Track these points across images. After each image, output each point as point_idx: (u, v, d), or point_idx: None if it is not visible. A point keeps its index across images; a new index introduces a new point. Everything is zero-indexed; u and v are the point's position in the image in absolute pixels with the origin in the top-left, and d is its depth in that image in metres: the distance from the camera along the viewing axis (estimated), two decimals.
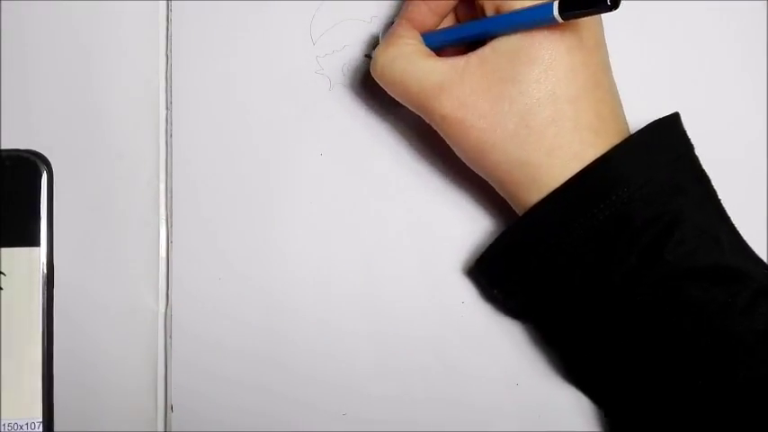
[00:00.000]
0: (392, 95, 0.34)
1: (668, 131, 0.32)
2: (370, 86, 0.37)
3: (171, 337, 0.36)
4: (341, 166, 0.37)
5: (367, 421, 0.36)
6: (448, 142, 0.33)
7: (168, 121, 0.37)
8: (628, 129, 0.32)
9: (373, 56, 0.34)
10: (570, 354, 0.34)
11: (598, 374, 0.33)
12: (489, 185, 0.36)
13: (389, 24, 0.35)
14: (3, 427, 0.32)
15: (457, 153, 0.33)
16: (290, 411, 0.36)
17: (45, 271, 0.33)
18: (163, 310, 0.36)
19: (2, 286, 0.33)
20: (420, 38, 0.34)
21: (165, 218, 0.37)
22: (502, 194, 0.33)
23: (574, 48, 0.31)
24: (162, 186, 0.37)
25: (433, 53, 0.33)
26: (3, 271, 0.33)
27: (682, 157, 0.31)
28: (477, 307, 0.37)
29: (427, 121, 0.34)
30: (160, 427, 0.36)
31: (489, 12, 0.32)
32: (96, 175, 0.36)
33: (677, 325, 0.30)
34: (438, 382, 0.36)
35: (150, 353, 0.36)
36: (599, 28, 0.32)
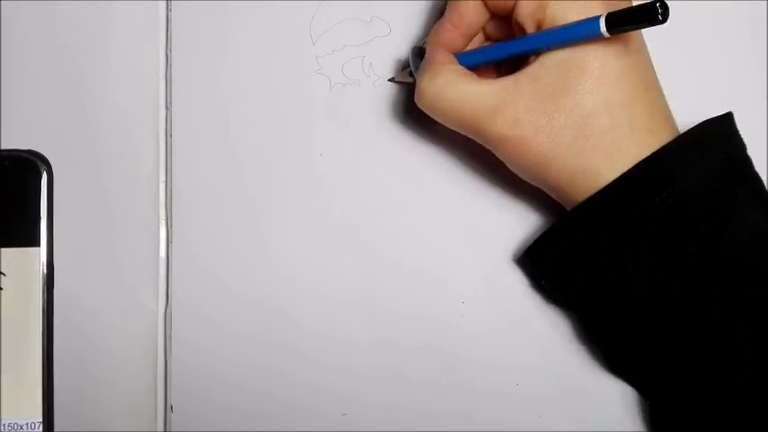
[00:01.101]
0: (444, 123, 0.34)
1: (718, 130, 0.32)
2: (370, 86, 0.38)
3: (171, 337, 0.36)
4: (341, 167, 0.37)
5: (367, 421, 0.36)
6: (505, 160, 0.33)
7: (168, 120, 0.37)
8: (677, 126, 0.33)
9: (418, 86, 0.33)
10: (614, 343, 0.34)
11: (642, 362, 0.33)
12: (489, 184, 0.36)
13: (418, 49, 0.35)
14: (3, 427, 0.32)
15: (514, 169, 0.34)
16: (290, 411, 0.36)
17: (45, 271, 0.33)
18: (163, 311, 0.36)
19: (2, 286, 0.33)
20: (456, 61, 0.34)
21: (164, 218, 0.37)
22: (562, 203, 0.34)
23: (621, 53, 0.31)
24: (162, 186, 0.37)
25: (476, 75, 0.33)
26: (3, 271, 0.33)
27: (730, 157, 0.32)
28: (477, 307, 0.37)
29: (481, 143, 0.33)
30: (160, 427, 0.36)
31: (530, 29, 0.32)
32: (96, 175, 0.36)
33: (728, 319, 0.30)
34: (437, 381, 0.36)
35: (150, 353, 0.36)
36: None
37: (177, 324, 0.36)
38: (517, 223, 0.37)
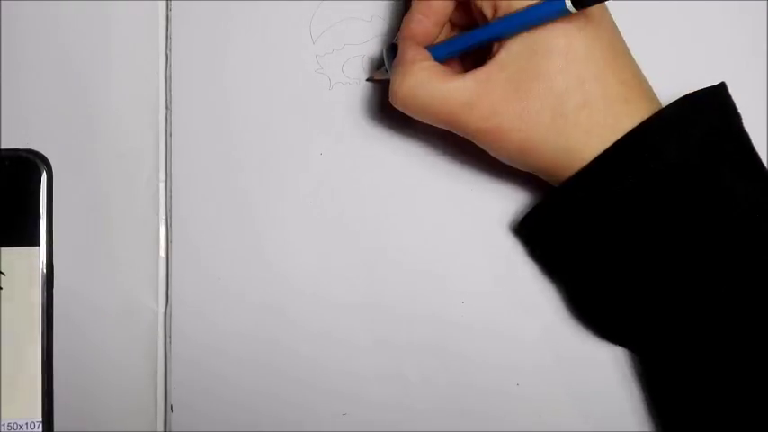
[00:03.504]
0: (418, 118, 0.34)
1: (704, 102, 0.32)
2: (370, 85, 0.37)
3: (171, 337, 0.36)
4: (341, 166, 0.37)
5: (367, 421, 0.36)
6: (487, 150, 0.33)
7: (168, 120, 0.37)
8: (652, 89, 0.33)
9: (391, 88, 0.33)
10: (606, 306, 0.34)
11: (637, 322, 0.33)
12: (489, 182, 0.36)
13: (391, 46, 0.35)
14: (3, 427, 0.32)
15: (497, 157, 0.34)
16: (290, 411, 0.36)
17: (45, 271, 0.33)
18: (163, 310, 0.36)
19: (2, 286, 0.33)
20: (430, 56, 0.34)
21: (164, 218, 0.37)
22: (551, 182, 0.34)
23: (584, 25, 0.31)
24: (161, 186, 0.37)
25: (448, 70, 0.33)
26: (3, 271, 0.33)
27: (715, 129, 0.32)
28: (477, 307, 0.37)
29: (462, 136, 0.33)
30: (160, 426, 0.36)
31: (488, 13, 0.32)
32: (96, 174, 0.36)
33: (713, 280, 0.30)
34: (438, 381, 0.36)
35: (150, 353, 0.36)
36: None
37: (177, 324, 0.36)
38: (518, 221, 0.37)
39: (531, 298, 0.37)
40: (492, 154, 0.34)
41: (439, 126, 0.34)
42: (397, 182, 0.37)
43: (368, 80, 0.37)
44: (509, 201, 0.37)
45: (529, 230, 0.35)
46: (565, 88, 0.31)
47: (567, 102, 0.31)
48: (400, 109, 0.34)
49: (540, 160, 0.32)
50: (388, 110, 0.37)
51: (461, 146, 0.37)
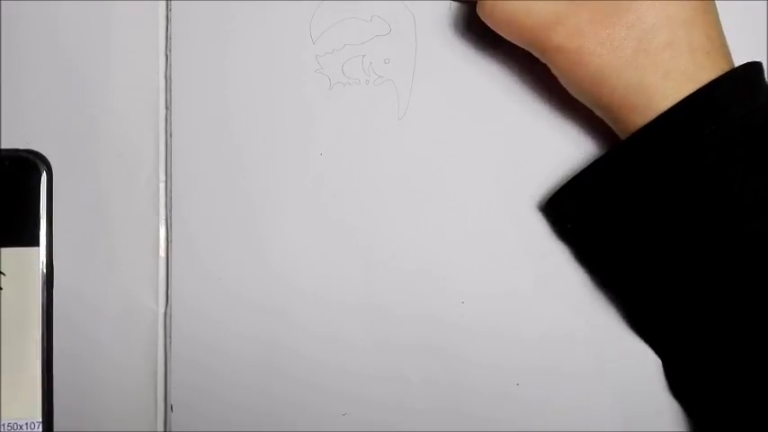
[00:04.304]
0: (503, 34, 0.34)
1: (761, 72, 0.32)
2: (370, 85, 0.37)
3: (171, 337, 0.36)
4: (341, 166, 0.37)
5: (367, 420, 0.36)
6: (560, 74, 0.33)
7: (168, 120, 0.37)
8: (731, 54, 0.33)
9: None
10: (641, 295, 0.34)
11: (671, 315, 0.33)
12: (490, 181, 0.36)
13: None
14: (3, 427, 0.33)
15: (568, 84, 0.34)
16: (290, 411, 0.36)
17: (45, 271, 0.33)
18: (163, 310, 0.36)
19: (2, 286, 0.33)
20: None
21: (164, 218, 0.37)
22: (610, 122, 0.33)
23: None
24: (161, 186, 0.37)
25: None
26: (3, 271, 0.33)
27: None
28: (477, 307, 0.37)
29: (537, 56, 0.33)
30: (160, 426, 0.36)
31: None
32: (96, 174, 0.36)
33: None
34: (438, 381, 0.36)
35: (150, 353, 0.36)
36: None
37: (177, 324, 0.36)
38: (518, 222, 0.37)
39: (532, 298, 0.37)
40: (563, 80, 0.33)
41: (520, 42, 0.33)
42: (398, 182, 0.37)
43: None
44: (509, 200, 0.37)
45: (578, 192, 0.34)
46: (652, 24, 0.31)
47: (653, 38, 0.31)
48: (486, 20, 0.34)
49: (611, 94, 0.32)
50: (388, 110, 0.37)
51: (462, 144, 0.37)
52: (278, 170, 0.37)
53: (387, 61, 0.38)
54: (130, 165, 0.37)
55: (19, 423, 0.33)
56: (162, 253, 0.37)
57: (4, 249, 0.33)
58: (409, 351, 0.36)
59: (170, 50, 0.37)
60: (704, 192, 0.31)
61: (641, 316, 0.35)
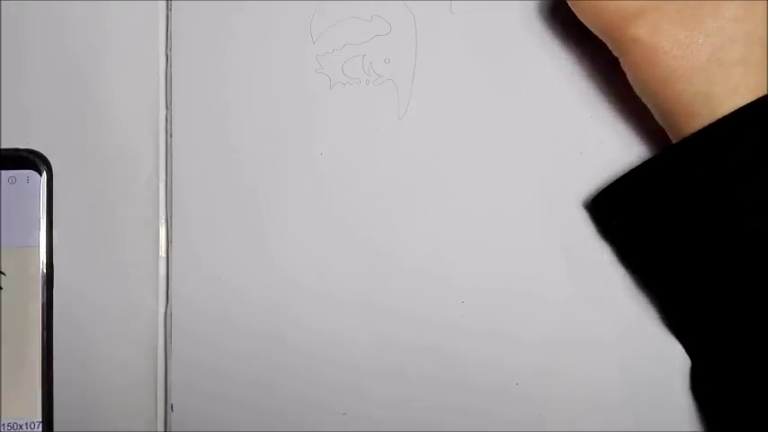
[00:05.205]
0: (581, 18, 0.34)
1: None
2: (370, 85, 0.37)
3: (171, 337, 0.36)
4: (341, 166, 0.37)
5: (367, 420, 0.36)
6: (630, 69, 0.33)
7: (168, 120, 0.37)
8: None
9: None
10: (681, 296, 0.34)
11: (709, 317, 0.33)
12: (490, 181, 0.36)
13: None
14: (3, 428, 0.33)
15: (635, 81, 0.33)
16: (291, 411, 0.36)
17: (45, 271, 0.34)
18: (163, 310, 0.37)
19: (2, 286, 0.33)
20: None
21: (164, 218, 0.37)
22: (666, 124, 0.33)
23: None
24: (162, 186, 0.37)
25: None
26: (3, 271, 0.33)
27: None
28: (477, 307, 0.37)
29: (611, 48, 0.33)
30: (160, 426, 0.36)
31: None
32: (96, 174, 0.36)
33: None
34: (438, 381, 0.36)
35: (150, 353, 0.36)
36: None
37: (177, 323, 0.36)
38: (518, 221, 0.37)
39: (532, 297, 0.37)
40: (632, 75, 0.33)
41: (598, 30, 0.33)
42: (398, 182, 0.37)
43: None
44: (509, 200, 0.37)
45: (620, 197, 0.34)
46: (732, 37, 0.31)
47: (728, 51, 0.31)
48: (572, 3, 0.34)
49: (677, 99, 0.32)
50: (388, 110, 0.37)
51: (462, 144, 0.37)
52: (278, 170, 0.37)
53: (387, 61, 0.38)
54: (130, 165, 0.37)
55: (19, 423, 0.33)
56: (162, 253, 0.37)
57: (4, 249, 0.33)
58: (409, 351, 0.36)
59: (170, 50, 0.37)
60: (755, 200, 0.31)
61: (679, 316, 0.35)
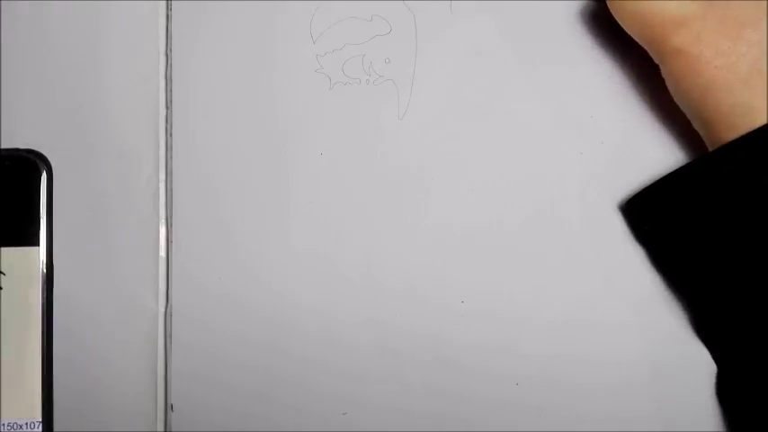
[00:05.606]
0: (624, 26, 0.34)
1: None
2: (370, 85, 0.37)
3: (171, 336, 0.36)
4: (341, 166, 0.37)
5: (367, 420, 0.36)
6: (672, 78, 0.33)
7: (168, 120, 0.37)
8: None
9: None
10: (712, 300, 0.34)
11: (745, 325, 0.33)
12: (490, 181, 0.36)
13: None
14: (3, 427, 0.33)
15: (676, 91, 0.33)
16: (291, 411, 0.36)
17: (45, 271, 0.33)
18: (163, 310, 0.37)
19: (1, 286, 0.33)
20: None
21: (164, 218, 0.37)
22: (706, 135, 0.33)
23: None
24: (162, 186, 0.37)
25: None
26: (2, 271, 0.33)
27: None
28: (477, 307, 0.37)
29: (653, 56, 0.33)
30: (160, 427, 0.36)
31: None
32: (96, 174, 0.36)
33: None
34: (438, 381, 0.36)
35: (150, 353, 0.36)
36: None
37: (177, 324, 0.36)
38: (518, 222, 0.37)
39: (532, 297, 0.37)
40: (673, 85, 0.33)
41: (640, 38, 0.33)
42: (398, 182, 0.37)
43: None
44: (509, 200, 0.37)
45: (654, 201, 0.34)
46: None
47: None
48: (613, 9, 0.34)
49: (716, 109, 0.32)
50: (388, 110, 0.37)
51: (463, 144, 0.37)
52: (278, 170, 0.37)
53: (387, 61, 0.38)
54: (130, 165, 0.37)
55: (19, 423, 0.33)
56: (162, 253, 0.37)
57: (4, 249, 0.33)
58: (409, 351, 0.36)
59: (170, 50, 0.37)
60: None
61: (709, 321, 0.35)
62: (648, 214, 0.35)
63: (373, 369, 0.36)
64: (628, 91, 0.37)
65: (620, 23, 0.34)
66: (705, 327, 0.36)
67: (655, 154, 0.37)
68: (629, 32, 0.34)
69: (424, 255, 0.37)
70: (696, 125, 0.34)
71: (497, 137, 0.37)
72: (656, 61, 0.34)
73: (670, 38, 0.32)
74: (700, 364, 0.36)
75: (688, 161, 0.35)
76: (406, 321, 0.37)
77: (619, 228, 0.37)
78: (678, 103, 0.34)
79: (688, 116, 0.34)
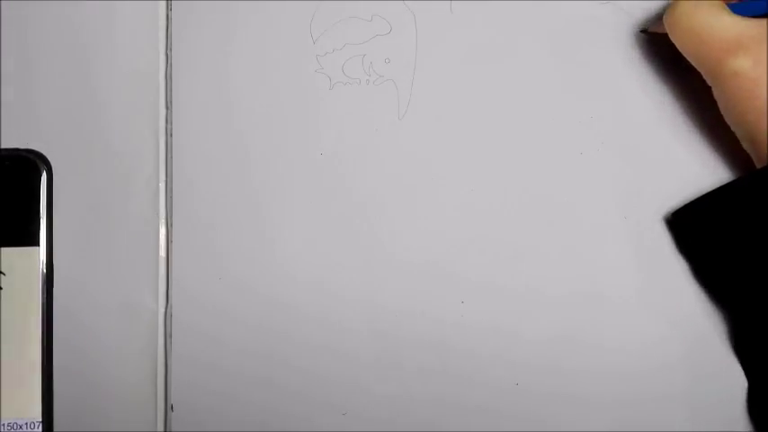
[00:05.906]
0: (679, 45, 0.33)
1: None
2: (370, 85, 0.37)
3: (171, 336, 0.36)
4: (341, 166, 0.37)
5: (367, 420, 0.36)
6: (727, 100, 0.33)
7: (168, 120, 0.37)
8: None
9: (671, 5, 0.33)
10: (750, 314, 0.34)
11: None
12: (490, 183, 0.36)
13: None
14: (3, 428, 0.33)
15: (730, 113, 0.33)
16: (291, 411, 0.36)
17: (45, 271, 0.33)
18: (163, 310, 0.37)
19: (2, 286, 0.33)
20: None
21: (164, 218, 0.37)
22: (754, 153, 0.33)
23: None
24: (161, 186, 0.37)
25: (728, 9, 0.33)
26: (2, 271, 0.33)
27: None
28: (477, 307, 0.37)
29: (706, 76, 0.33)
30: (160, 426, 0.36)
31: None
32: (96, 174, 0.36)
33: None
34: (438, 381, 0.36)
35: (150, 352, 0.36)
36: None
37: (177, 323, 0.36)
38: (518, 222, 0.37)
39: (531, 297, 0.37)
40: (727, 106, 0.33)
41: (695, 59, 0.33)
42: (398, 182, 0.37)
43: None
44: (509, 200, 0.37)
45: (698, 215, 0.34)
46: None
47: None
48: (670, 27, 0.33)
49: None
50: (388, 110, 0.37)
51: (463, 144, 0.37)
52: (278, 170, 0.37)
53: (387, 61, 0.38)
54: (130, 165, 0.37)
55: (19, 423, 0.33)
56: (162, 253, 0.37)
57: (4, 249, 0.33)
58: (409, 351, 0.36)
59: (170, 50, 0.37)
60: None
61: (746, 336, 0.35)
62: (694, 227, 0.35)
63: (373, 369, 0.36)
64: (628, 91, 0.37)
65: (673, 41, 0.33)
66: (741, 342, 0.35)
67: (655, 154, 0.37)
68: (681, 51, 0.33)
69: (424, 254, 0.37)
70: (746, 144, 0.33)
71: (497, 137, 0.37)
72: (709, 82, 0.33)
73: (727, 60, 0.32)
74: (730, 381, 0.36)
75: (689, 161, 0.35)
76: (407, 321, 0.36)
77: (619, 227, 0.37)
78: (730, 123, 0.33)
79: (738, 136, 0.33)
